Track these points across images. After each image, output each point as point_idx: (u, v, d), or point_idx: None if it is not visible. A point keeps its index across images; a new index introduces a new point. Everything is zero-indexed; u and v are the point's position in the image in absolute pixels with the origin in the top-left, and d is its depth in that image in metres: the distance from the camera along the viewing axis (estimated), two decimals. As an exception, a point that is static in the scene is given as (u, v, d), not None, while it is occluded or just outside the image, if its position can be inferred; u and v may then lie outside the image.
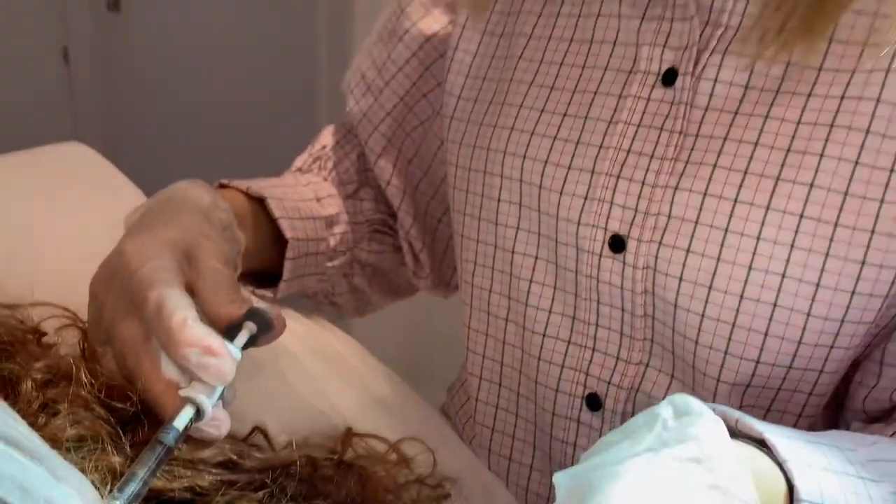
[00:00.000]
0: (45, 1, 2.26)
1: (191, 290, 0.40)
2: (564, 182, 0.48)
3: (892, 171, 0.39)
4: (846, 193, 0.40)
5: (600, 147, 0.47)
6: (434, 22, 0.58)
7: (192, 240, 0.43)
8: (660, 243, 0.45)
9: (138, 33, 2.44)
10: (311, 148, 0.67)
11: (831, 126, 0.41)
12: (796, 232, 0.41)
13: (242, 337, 0.40)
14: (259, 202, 0.57)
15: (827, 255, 0.41)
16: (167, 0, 2.43)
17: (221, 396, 0.38)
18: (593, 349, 0.49)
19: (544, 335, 0.51)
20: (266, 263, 0.57)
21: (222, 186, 0.58)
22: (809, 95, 0.41)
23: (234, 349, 0.38)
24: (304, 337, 0.56)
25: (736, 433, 0.35)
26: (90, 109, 2.43)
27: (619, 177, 0.46)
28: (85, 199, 0.62)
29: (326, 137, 0.66)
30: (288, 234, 0.56)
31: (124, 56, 2.46)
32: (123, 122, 2.47)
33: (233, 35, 2.29)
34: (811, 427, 0.45)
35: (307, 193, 0.61)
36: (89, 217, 0.58)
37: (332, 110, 1.68)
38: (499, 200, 0.52)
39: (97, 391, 0.37)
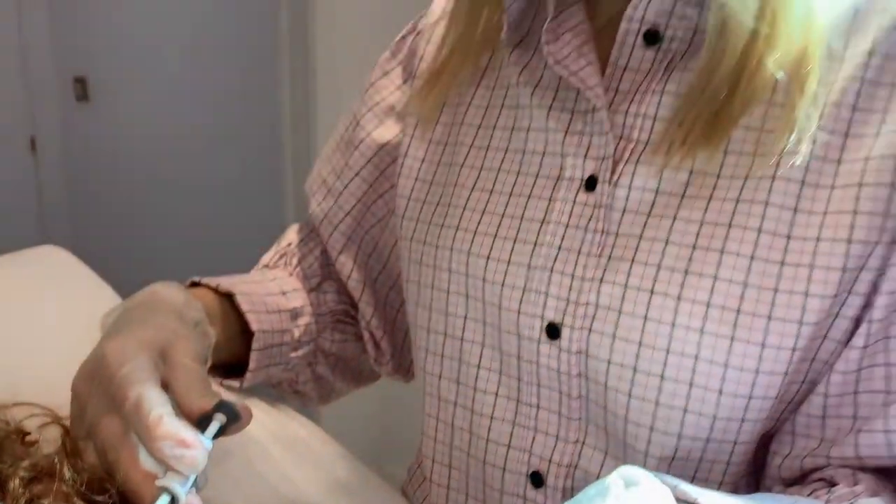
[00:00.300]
0: (13, 89, 2.30)
1: (166, 385, 0.44)
2: (505, 275, 0.54)
3: (782, 263, 0.45)
4: (745, 284, 0.46)
5: (535, 244, 0.53)
6: (386, 131, 0.65)
7: (167, 339, 0.47)
8: (590, 330, 0.50)
9: (107, 123, 2.48)
10: (278, 245, 0.72)
11: (729, 226, 0.47)
12: (704, 319, 0.46)
13: (213, 428, 0.44)
14: (228, 298, 0.61)
15: (732, 338, 0.46)
16: (135, 90, 2.47)
17: (195, 483, 0.42)
18: (535, 429, 0.54)
19: (492, 417, 0.56)
20: (235, 355, 0.61)
21: (194, 284, 0.62)
22: (710, 199, 0.47)
23: (205, 440, 0.42)
24: (269, 425, 0.60)
25: (676, 499, 0.39)
26: (57, 199, 2.45)
27: (552, 270, 0.52)
28: (61, 300, 0.66)
29: (291, 235, 0.72)
30: (254, 326, 0.61)
31: (93, 145, 2.49)
32: (90, 211, 2.49)
33: (201, 126, 2.33)
34: (734, 493, 0.50)
35: (273, 288, 0.66)
36: (65, 319, 0.62)
37: (298, 204, 1.70)
38: (447, 292, 0.57)
39: (79, 486, 0.41)
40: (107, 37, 2.40)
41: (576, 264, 0.51)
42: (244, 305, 0.61)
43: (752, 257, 0.46)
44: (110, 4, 2.30)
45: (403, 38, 0.66)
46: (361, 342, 0.71)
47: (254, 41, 1.96)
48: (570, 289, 0.51)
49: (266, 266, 0.71)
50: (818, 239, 0.45)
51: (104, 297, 0.65)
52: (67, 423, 0.47)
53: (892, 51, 0.45)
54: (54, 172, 2.41)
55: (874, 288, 0.45)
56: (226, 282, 0.62)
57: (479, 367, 0.56)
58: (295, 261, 0.70)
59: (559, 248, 0.52)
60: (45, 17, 2.26)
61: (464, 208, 0.57)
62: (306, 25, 1.30)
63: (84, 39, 2.38)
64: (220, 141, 2.25)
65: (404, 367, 0.73)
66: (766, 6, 0.45)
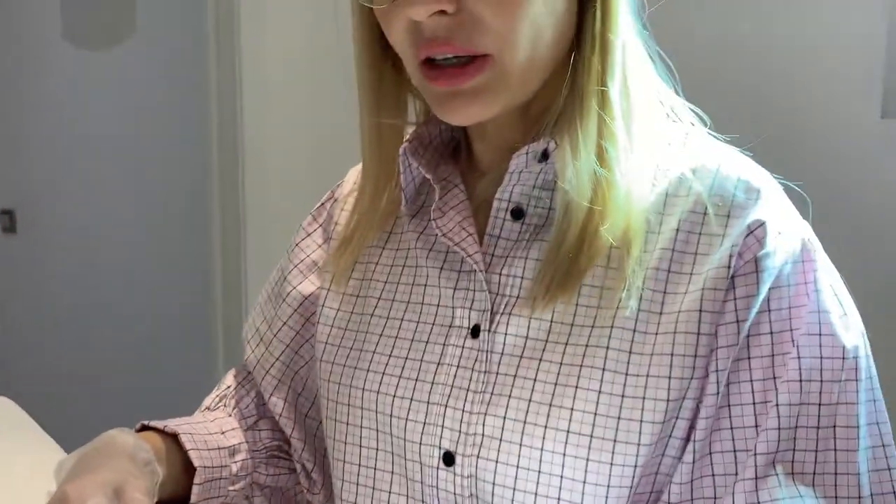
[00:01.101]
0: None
1: None
2: (408, 411, 0.63)
3: (622, 396, 0.56)
4: (595, 414, 0.56)
5: (432, 383, 0.63)
6: (310, 285, 0.75)
7: (121, 479, 0.56)
8: (478, 457, 0.59)
9: (34, 255, 2.38)
10: (218, 389, 0.81)
11: (581, 366, 0.57)
12: (565, 444, 0.56)
13: None
14: (173, 437, 0.70)
15: (587, 460, 0.56)
16: (64, 221, 2.37)
17: None
18: None
19: None
20: (180, 490, 0.69)
21: (143, 427, 0.71)
22: (567, 344, 0.58)
23: None
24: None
25: None
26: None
27: (446, 406, 0.61)
28: (11, 452, 0.72)
29: (230, 379, 0.81)
30: (196, 462, 0.69)
31: (21, 278, 2.39)
32: (18, 346, 2.39)
33: (131, 258, 2.20)
34: None
35: (213, 428, 0.74)
36: (14, 469, 0.69)
37: (227, 344, 1.68)
38: (361, 427, 0.66)
39: None
40: (35, 170, 2.35)
41: (465, 400, 0.61)
42: (187, 444, 0.69)
43: (599, 392, 0.56)
44: (39, 138, 2.23)
45: (323, 204, 0.78)
46: (295, 474, 0.79)
47: (186, 177, 1.83)
48: (462, 421, 0.60)
49: (207, 408, 0.80)
50: (647, 375, 0.56)
51: (50, 450, 0.72)
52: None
53: (693, 228, 0.58)
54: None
55: (696, 413, 0.56)
56: (171, 424, 0.71)
57: (389, 492, 0.64)
58: (233, 402, 0.79)
59: (452, 386, 0.62)
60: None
61: (373, 352, 0.66)
62: (237, 167, 1.41)
63: (11, 172, 2.35)
64: (149, 273, 2.11)
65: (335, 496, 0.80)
66: (598, 190, 0.57)
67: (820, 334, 0.56)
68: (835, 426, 0.55)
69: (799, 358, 0.55)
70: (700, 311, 0.56)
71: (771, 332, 0.56)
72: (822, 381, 0.56)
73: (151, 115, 1.68)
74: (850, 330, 0.57)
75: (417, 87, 0.62)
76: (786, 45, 1.05)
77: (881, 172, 0.95)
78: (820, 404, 0.55)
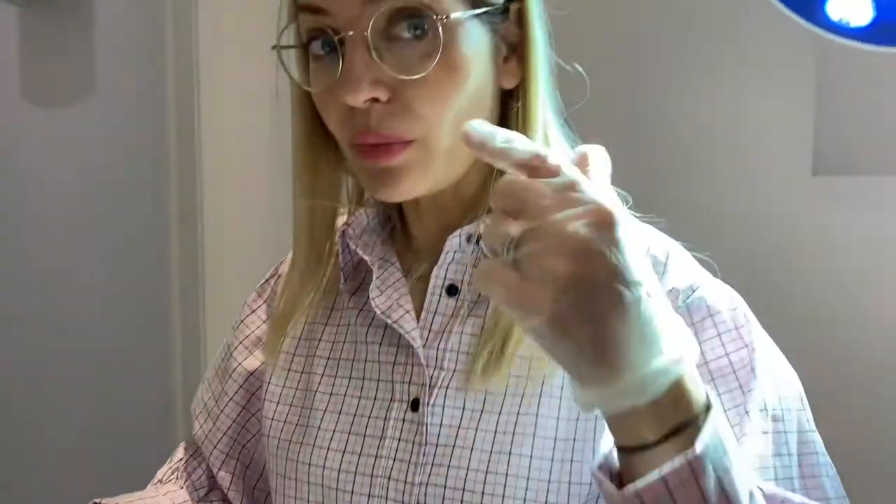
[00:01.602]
0: None
1: None
2: (353, 484, 0.64)
3: (552, 460, 0.59)
4: (528, 478, 0.59)
5: (376, 457, 0.64)
6: (255, 360, 0.77)
7: None
8: None
9: None
10: (170, 461, 0.82)
11: (513, 433, 0.60)
12: None
13: None
14: None
15: None
16: (13, 282, 2.18)
17: None
18: None
19: None
20: None
21: None
22: (500, 413, 0.61)
23: None
24: None
25: None
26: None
27: (389, 478, 0.63)
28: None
29: (181, 452, 0.82)
30: None
31: None
32: None
33: (86, 321, 2.00)
34: None
35: (165, 502, 0.75)
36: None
37: (186, 409, 1.61)
38: (308, 501, 0.67)
39: None
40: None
41: (407, 472, 0.62)
42: None
43: (531, 457, 0.60)
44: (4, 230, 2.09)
45: (267, 280, 0.80)
46: None
47: (143, 239, 1.71)
48: (404, 493, 0.62)
49: (160, 481, 0.80)
50: (574, 439, 0.60)
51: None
52: None
53: None
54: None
55: None
56: (124, 500, 0.71)
57: None
58: (185, 475, 0.79)
59: (394, 459, 0.63)
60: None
61: (318, 428, 0.68)
62: (196, 234, 1.41)
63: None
64: (105, 340, 1.96)
65: None
66: None
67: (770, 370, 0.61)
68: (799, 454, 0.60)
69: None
70: None
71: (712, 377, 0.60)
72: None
73: (109, 174, 1.67)
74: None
75: (352, 166, 0.65)
76: (714, 108, 1.09)
77: (814, 229, 0.99)
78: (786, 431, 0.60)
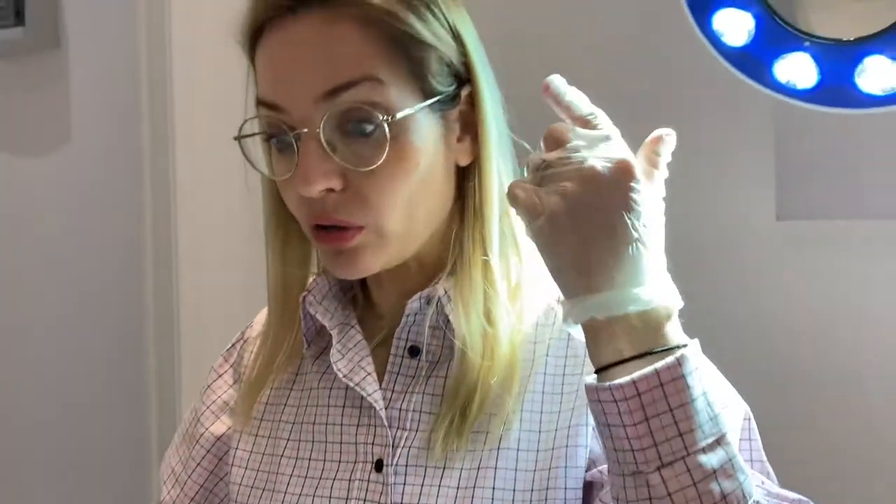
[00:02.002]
0: None
1: None
2: None
3: None
4: None
5: None
6: (222, 425, 0.78)
7: None
8: None
9: None
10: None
11: (474, 487, 0.62)
12: None
13: None
14: None
15: None
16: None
17: None
18: None
19: None
20: None
21: None
22: (462, 469, 0.63)
23: None
24: None
25: None
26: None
27: None
28: None
29: (150, 518, 0.81)
30: None
31: None
32: None
33: (59, 372, 1.91)
34: None
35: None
36: None
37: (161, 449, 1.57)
38: None
39: None
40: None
41: None
42: None
43: None
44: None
45: (234, 345, 0.81)
46: None
47: (118, 292, 1.66)
48: None
49: None
50: (532, 489, 0.62)
51: None
52: None
53: (559, 352, 0.66)
54: None
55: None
56: None
57: None
58: (153, 541, 0.79)
59: None
60: None
61: (285, 493, 0.69)
62: (172, 289, 1.41)
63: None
64: (78, 396, 1.88)
65: None
66: (486, 346, 0.64)
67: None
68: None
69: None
70: (580, 424, 0.62)
71: None
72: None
73: (83, 224, 1.66)
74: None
75: (312, 243, 0.68)
76: (676, 158, 1.10)
77: (779, 273, 1.00)
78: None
